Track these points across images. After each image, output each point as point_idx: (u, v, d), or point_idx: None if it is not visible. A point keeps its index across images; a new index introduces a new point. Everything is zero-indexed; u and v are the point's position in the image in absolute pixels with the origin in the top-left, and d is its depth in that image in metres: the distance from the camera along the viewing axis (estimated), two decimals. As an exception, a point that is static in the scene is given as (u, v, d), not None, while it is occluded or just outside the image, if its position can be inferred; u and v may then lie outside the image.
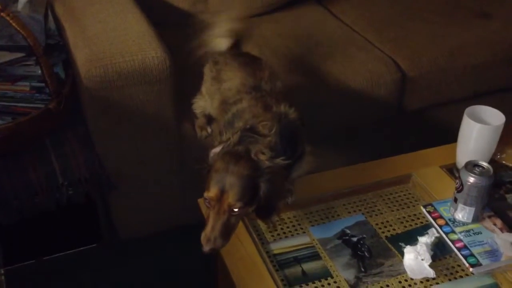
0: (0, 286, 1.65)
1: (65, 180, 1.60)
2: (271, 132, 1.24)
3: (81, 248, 1.80)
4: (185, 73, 1.63)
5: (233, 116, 1.33)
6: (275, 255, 1.26)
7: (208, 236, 1.13)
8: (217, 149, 1.21)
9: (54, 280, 1.72)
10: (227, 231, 1.14)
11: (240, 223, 1.30)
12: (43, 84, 1.62)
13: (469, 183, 1.25)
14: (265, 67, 1.45)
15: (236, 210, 1.14)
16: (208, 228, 1.13)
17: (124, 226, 1.77)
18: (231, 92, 1.40)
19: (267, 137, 1.23)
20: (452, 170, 1.47)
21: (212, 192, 1.14)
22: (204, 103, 1.58)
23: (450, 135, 1.47)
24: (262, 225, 1.33)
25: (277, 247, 1.28)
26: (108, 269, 1.76)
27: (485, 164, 1.27)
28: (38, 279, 1.72)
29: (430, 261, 1.18)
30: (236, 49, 1.59)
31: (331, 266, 1.23)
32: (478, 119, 1.38)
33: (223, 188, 1.13)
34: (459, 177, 1.27)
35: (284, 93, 1.39)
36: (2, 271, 1.70)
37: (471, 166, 1.27)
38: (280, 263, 1.24)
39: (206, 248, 1.13)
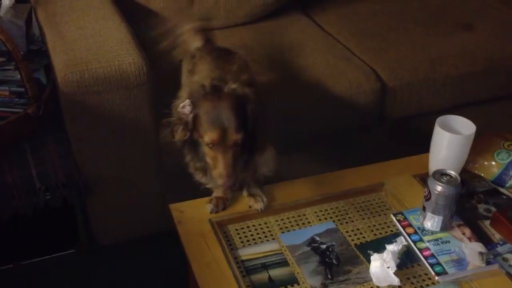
0: (-23, 289, 1.66)
1: (42, 184, 1.60)
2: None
3: (60, 254, 1.80)
4: (166, 81, 1.64)
5: None
6: (243, 261, 1.26)
7: (226, 172, 1.21)
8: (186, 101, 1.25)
9: (32, 285, 1.72)
10: (236, 164, 1.23)
11: (210, 228, 1.32)
12: (23, 89, 1.63)
13: (436, 192, 1.26)
14: (235, 61, 1.47)
15: (239, 141, 1.21)
16: (221, 166, 1.21)
17: (102, 232, 1.77)
18: (197, 85, 1.41)
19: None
20: (425, 179, 1.47)
21: (214, 133, 1.20)
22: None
23: (429, 145, 1.48)
24: (232, 230, 1.34)
25: (246, 253, 1.28)
26: (86, 275, 1.76)
27: (452, 173, 1.28)
28: (16, 283, 1.72)
29: (395, 269, 1.18)
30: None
31: (298, 273, 1.23)
32: (449, 129, 1.39)
33: (222, 126, 1.20)
34: (427, 186, 1.28)
35: (251, 84, 1.37)
36: (-20, 275, 1.72)
37: (439, 175, 1.27)
38: (247, 269, 1.24)
39: (228, 184, 1.22)
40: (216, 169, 1.23)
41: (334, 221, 1.37)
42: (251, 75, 1.45)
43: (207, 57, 1.53)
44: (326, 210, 1.40)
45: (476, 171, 1.49)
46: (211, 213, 1.36)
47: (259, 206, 1.38)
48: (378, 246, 1.28)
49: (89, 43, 1.56)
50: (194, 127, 1.25)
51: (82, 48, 1.53)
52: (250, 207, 1.39)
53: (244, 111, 1.24)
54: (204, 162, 1.30)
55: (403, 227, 1.32)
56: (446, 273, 1.21)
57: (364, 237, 1.33)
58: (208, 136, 1.21)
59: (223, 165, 1.21)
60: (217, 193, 1.40)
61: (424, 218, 1.31)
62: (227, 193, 1.40)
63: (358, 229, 1.35)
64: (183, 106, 1.25)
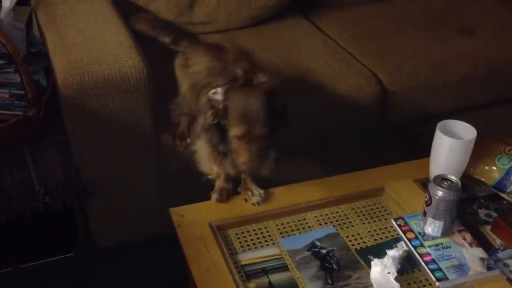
0: (-25, 292, 1.66)
1: (41, 187, 1.60)
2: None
3: (59, 257, 1.80)
4: (165, 84, 1.64)
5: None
6: (243, 265, 1.26)
7: (249, 162, 1.29)
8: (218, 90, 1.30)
9: (31, 288, 1.72)
10: (261, 152, 1.30)
11: (210, 232, 1.31)
12: (22, 92, 1.63)
13: (437, 197, 1.25)
14: (229, 51, 1.49)
15: (264, 136, 1.28)
16: (245, 156, 1.29)
17: (101, 235, 1.76)
18: (200, 76, 1.45)
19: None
20: (425, 183, 1.47)
21: (240, 129, 1.27)
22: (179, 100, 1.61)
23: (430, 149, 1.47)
24: (232, 235, 1.34)
25: (246, 257, 1.28)
26: (85, 278, 1.76)
27: (453, 178, 1.27)
28: (15, 287, 1.71)
29: (395, 274, 1.18)
30: None
31: (298, 278, 1.23)
32: (450, 134, 1.39)
33: (249, 121, 1.26)
34: (428, 191, 1.27)
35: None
36: (-22, 278, 1.71)
37: (440, 180, 1.27)
38: (247, 274, 1.24)
39: (247, 170, 1.34)
40: (240, 157, 1.31)
41: (334, 226, 1.37)
42: (251, 62, 1.46)
43: (199, 49, 1.57)
44: (327, 214, 1.40)
45: (477, 176, 1.48)
46: (216, 202, 1.39)
47: (255, 199, 1.39)
48: (379, 251, 1.27)
49: (89, 46, 1.55)
50: (224, 116, 1.30)
51: (82, 51, 1.53)
52: (245, 200, 1.40)
53: (273, 103, 1.29)
54: (228, 147, 1.35)
55: (404, 232, 1.32)
56: (447, 278, 1.21)
57: (364, 242, 1.33)
58: (233, 130, 1.28)
59: (246, 155, 1.29)
60: (219, 183, 1.42)
61: (425, 223, 1.30)
62: (230, 184, 1.43)
63: (358, 234, 1.35)
64: (215, 92, 1.30)
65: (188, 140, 1.62)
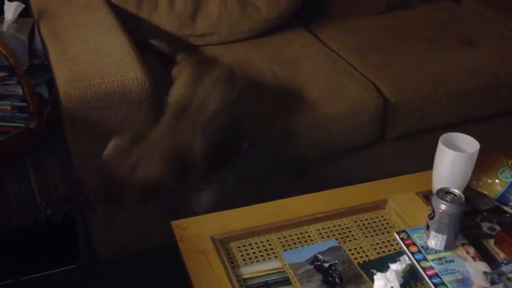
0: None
1: (43, 199, 1.59)
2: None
3: (60, 269, 1.79)
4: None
5: None
6: (245, 279, 1.25)
7: None
8: None
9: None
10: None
11: (211, 246, 1.30)
12: (24, 104, 1.63)
13: (440, 211, 1.25)
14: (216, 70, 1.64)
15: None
16: None
17: (103, 246, 1.76)
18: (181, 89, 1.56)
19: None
20: (428, 196, 1.46)
21: None
22: None
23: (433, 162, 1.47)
24: (234, 248, 1.33)
25: (248, 271, 1.27)
26: (86, 291, 1.75)
27: (456, 191, 1.27)
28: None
29: (398, 288, 1.17)
30: None
31: (300, 292, 1.22)
32: (452, 146, 1.38)
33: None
34: (431, 204, 1.27)
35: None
36: (-22, 290, 1.70)
37: (443, 193, 1.26)
38: (249, 287, 1.23)
39: None
40: None
41: (336, 239, 1.36)
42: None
43: (191, 62, 1.72)
44: (329, 227, 1.39)
45: (479, 189, 1.48)
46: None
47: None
48: (382, 264, 1.26)
49: (92, 58, 1.56)
50: None
51: (84, 64, 1.53)
52: None
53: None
54: None
55: (407, 246, 1.31)
56: (450, 293, 1.20)
57: (367, 256, 1.32)
58: None
59: None
60: None
61: (428, 236, 1.29)
62: None
63: (361, 247, 1.34)
64: None
65: None
